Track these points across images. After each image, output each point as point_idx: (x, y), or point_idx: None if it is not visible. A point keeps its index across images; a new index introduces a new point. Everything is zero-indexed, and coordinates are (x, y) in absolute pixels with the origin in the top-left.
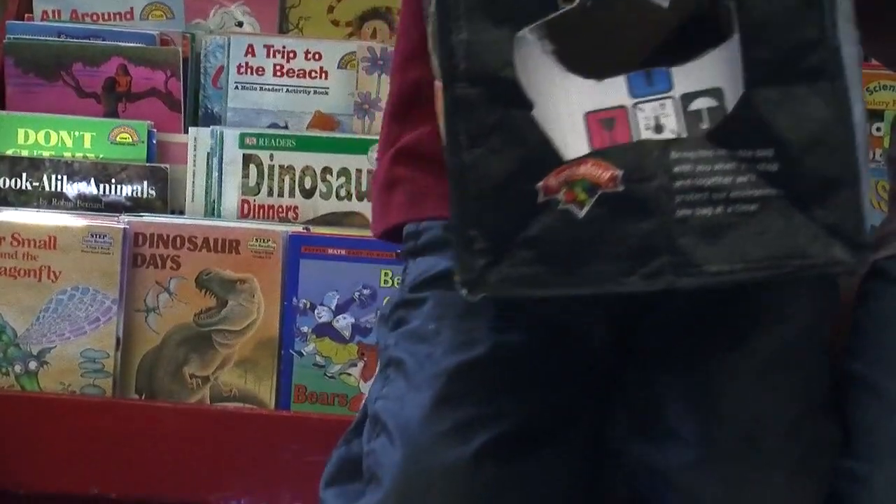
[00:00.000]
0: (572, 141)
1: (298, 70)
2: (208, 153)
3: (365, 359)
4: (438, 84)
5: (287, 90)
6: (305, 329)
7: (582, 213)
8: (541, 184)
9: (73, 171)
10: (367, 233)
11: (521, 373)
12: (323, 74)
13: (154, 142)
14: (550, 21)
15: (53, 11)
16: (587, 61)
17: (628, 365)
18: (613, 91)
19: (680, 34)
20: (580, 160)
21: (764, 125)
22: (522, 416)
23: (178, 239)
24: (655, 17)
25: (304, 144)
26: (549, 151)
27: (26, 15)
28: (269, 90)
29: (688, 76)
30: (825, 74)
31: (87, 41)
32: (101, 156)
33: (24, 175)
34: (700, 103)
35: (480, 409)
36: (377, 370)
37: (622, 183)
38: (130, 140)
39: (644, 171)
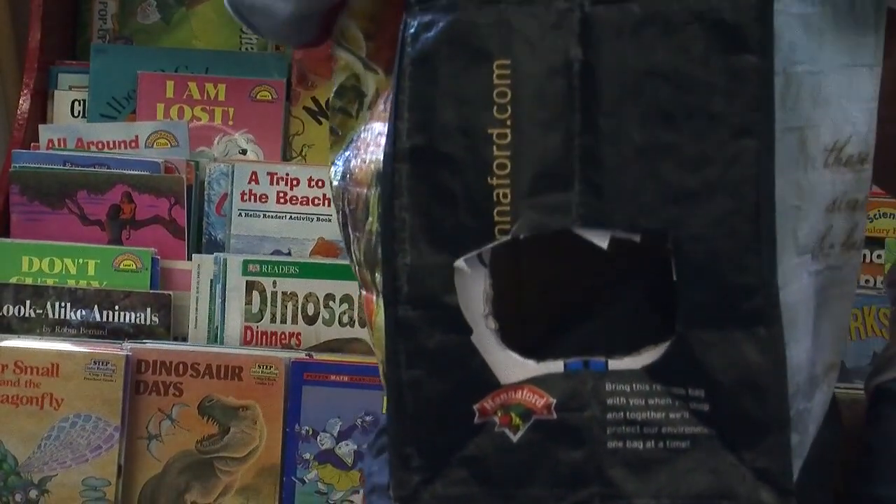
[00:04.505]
0: (510, 366)
1: (301, 197)
2: (211, 280)
3: None
4: (367, 295)
5: (290, 217)
6: (308, 456)
7: (516, 437)
8: (477, 406)
9: (77, 298)
10: (370, 359)
11: None
12: (326, 202)
13: (157, 269)
14: (494, 300)
15: (59, 140)
16: (527, 346)
17: None
18: (552, 367)
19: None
20: (517, 385)
21: (697, 365)
22: None
23: (181, 366)
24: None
25: (307, 271)
26: (486, 375)
27: (32, 143)
28: (272, 217)
29: (622, 361)
30: (761, 320)
31: (92, 169)
32: (104, 283)
33: (28, 302)
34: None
35: None
36: (361, 498)
37: (556, 411)
38: (134, 267)
39: (578, 401)
